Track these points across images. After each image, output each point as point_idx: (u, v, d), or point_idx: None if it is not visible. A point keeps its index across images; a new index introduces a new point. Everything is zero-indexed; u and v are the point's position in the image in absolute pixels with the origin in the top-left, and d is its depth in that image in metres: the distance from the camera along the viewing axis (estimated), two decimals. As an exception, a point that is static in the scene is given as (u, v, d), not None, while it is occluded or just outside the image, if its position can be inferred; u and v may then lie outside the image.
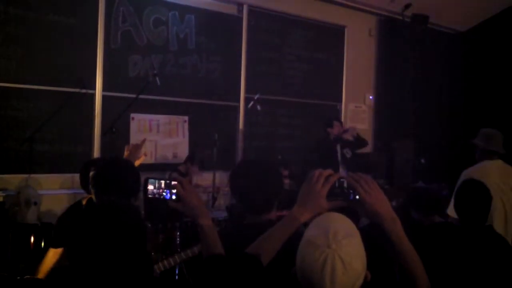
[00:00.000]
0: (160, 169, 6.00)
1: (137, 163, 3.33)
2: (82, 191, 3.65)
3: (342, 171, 5.81)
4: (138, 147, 3.44)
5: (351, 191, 1.72)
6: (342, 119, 7.97)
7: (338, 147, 6.31)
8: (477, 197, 3.13)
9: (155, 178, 1.95)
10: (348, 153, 6.24)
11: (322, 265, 1.54)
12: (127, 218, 1.73)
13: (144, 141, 3.52)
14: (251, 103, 6.75)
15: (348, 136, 6.22)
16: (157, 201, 1.95)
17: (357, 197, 1.72)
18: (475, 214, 3.11)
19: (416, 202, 3.70)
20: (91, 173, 3.22)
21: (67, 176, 5.52)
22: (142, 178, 2.19)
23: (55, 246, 3.43)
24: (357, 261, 1.57)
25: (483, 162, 4.41)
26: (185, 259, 3.72)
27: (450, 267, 2.89)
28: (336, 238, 1.57)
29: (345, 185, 1.74)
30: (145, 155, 3.39)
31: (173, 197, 1.92)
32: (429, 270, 2.79)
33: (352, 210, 2.81)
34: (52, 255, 3.41)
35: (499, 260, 2.99)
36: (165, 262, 3.71)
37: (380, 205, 1.70)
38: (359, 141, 6.52)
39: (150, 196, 1.95)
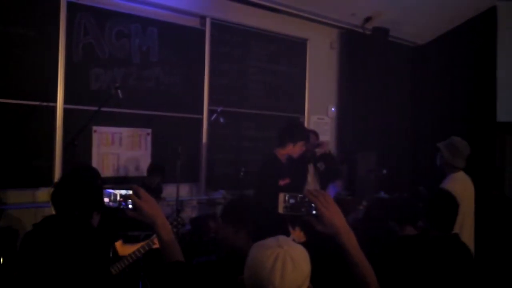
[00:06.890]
0: (123, 182, 5.96)
1: None
2: (43, 205, 3.60)
3: (315, 185, 5.75)
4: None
5: (312, 205, 1.81)
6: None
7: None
8: (444, 205, 3.26)
9: (110, 190, 1.97)
10: (322, 166, 6.12)
11: (273, 262, 1.65)
12: (83, 230, 1.73)
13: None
14: (214, 115, 6.78)
15: (325, 149, 6.04)
16: (115, 211, 1.97)
17: (314, 212, 1.82)
18: (442, 221, 3.23)
19: (395, 212, 3.74)
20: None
21: (28, 191, 5.44)
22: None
23: None
24: (304, 264, 1.70)
25: (452, 176, 4.59)
26: (138, 256, 3.68)
27: (416, 276, 2.96)
28: (287, 242, 1.72)
29: (306, 200, 1.83)
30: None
31: (130, 206, 1.95)
32: (400, 280, 2.85)
33: None
34: None
35: (460, 268, 3.08)
36: (118, 264, 3.64)
37: (337, 219, 1.81)
38: (331, 157, 6.28)
39: (107, 207, 1.98)
